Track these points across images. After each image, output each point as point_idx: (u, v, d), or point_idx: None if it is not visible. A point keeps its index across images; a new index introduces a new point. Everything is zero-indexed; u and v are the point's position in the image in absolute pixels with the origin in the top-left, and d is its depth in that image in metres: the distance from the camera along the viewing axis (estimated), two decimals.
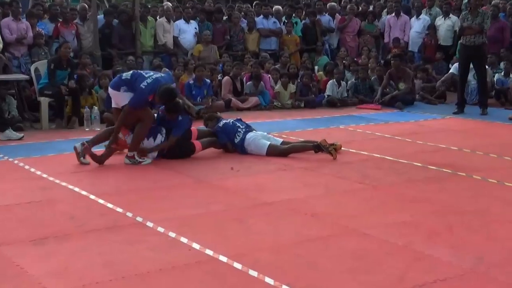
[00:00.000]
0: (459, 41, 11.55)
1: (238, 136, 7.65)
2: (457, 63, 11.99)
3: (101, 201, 5.67)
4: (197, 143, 7.57)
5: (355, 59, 13.66)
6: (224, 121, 7.89)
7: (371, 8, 15.31)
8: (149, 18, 12.65)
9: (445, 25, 13.86)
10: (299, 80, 12.08)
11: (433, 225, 5.03)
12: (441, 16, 14.08)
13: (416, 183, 6.37)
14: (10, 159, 7.42)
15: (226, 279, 4.00)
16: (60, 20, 11.87)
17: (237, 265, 4.15)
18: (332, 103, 11.85)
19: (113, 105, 7.42)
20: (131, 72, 7.52)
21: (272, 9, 14.09)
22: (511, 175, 6.65)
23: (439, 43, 14.03)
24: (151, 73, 7.46)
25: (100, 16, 12.47)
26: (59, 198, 5.82)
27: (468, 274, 4.07)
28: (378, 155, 7.58)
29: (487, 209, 5.50)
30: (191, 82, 10.91)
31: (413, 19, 14.40)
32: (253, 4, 14.55)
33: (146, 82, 7.04)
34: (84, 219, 5.16)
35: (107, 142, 7.24)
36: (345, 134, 9.16)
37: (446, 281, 3.94)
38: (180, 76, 11.32)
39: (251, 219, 5.19)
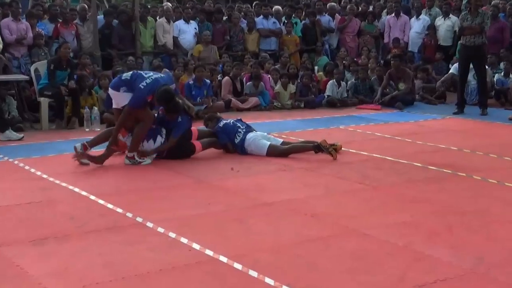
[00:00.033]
0: (459, 41, 11.55)
1: (238, 136, 7.65)
2: (457, 63, 11.98)
3: (101, 201, 5.67)
4: (197, 144, 7.56)
5: (355, 59, 13.65)
6: (224, 122, 7.89)
7: (371, 8, 15.31)
8: (149, 18, 12.65)
9: (445, 25, 13.85)
10: (299, 81, 12.07)
11: (433, 225, 5.03)
12: (441, 17, 14.07)
13: (416, 183, 6.37)
14: (10, 160, 7.42)
15: (226, 279, 4.00)
16: (60, 20, 11.87)
17: (237, 266, 4.15)
18: (332, 104, 11.85)
19: (114, 106, 7.42)
20: (131, 72, 7.52)
21: (272, 9, 14.08)
22: (511, 175, 6.65)
23: (439, 43, 14.01)
24: (151, 73, 7.46)
25: (100, 17, 12.48)
26: (59, 199, 5.82)
27: (468, 275, 4.07)
28: (378, 156, 7.58)
29: (487, 209, 5.50)
30: (191, 82, 10.90)
31: (413, 19, 14.39)
32: (253, 4, 14.55)
33: (145, 82, 7.04)
34: (84, 219, 5.15)
35: (107, 143, 7.24)
36: (345, 134, 9.15)
37: (446, 281, 3.94)
38: (180, 77, 11.32)
39: (251, 220, 5.19)
